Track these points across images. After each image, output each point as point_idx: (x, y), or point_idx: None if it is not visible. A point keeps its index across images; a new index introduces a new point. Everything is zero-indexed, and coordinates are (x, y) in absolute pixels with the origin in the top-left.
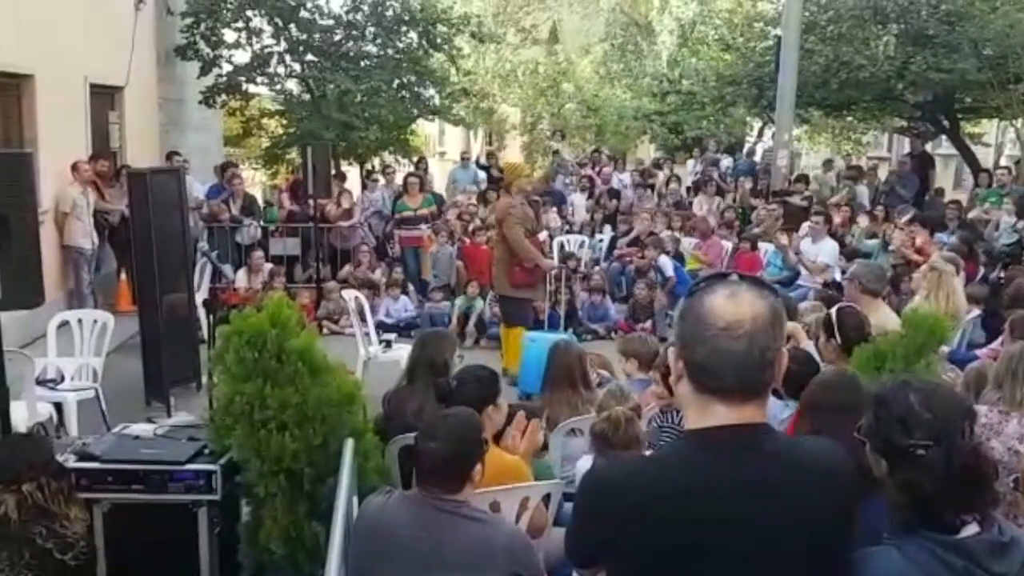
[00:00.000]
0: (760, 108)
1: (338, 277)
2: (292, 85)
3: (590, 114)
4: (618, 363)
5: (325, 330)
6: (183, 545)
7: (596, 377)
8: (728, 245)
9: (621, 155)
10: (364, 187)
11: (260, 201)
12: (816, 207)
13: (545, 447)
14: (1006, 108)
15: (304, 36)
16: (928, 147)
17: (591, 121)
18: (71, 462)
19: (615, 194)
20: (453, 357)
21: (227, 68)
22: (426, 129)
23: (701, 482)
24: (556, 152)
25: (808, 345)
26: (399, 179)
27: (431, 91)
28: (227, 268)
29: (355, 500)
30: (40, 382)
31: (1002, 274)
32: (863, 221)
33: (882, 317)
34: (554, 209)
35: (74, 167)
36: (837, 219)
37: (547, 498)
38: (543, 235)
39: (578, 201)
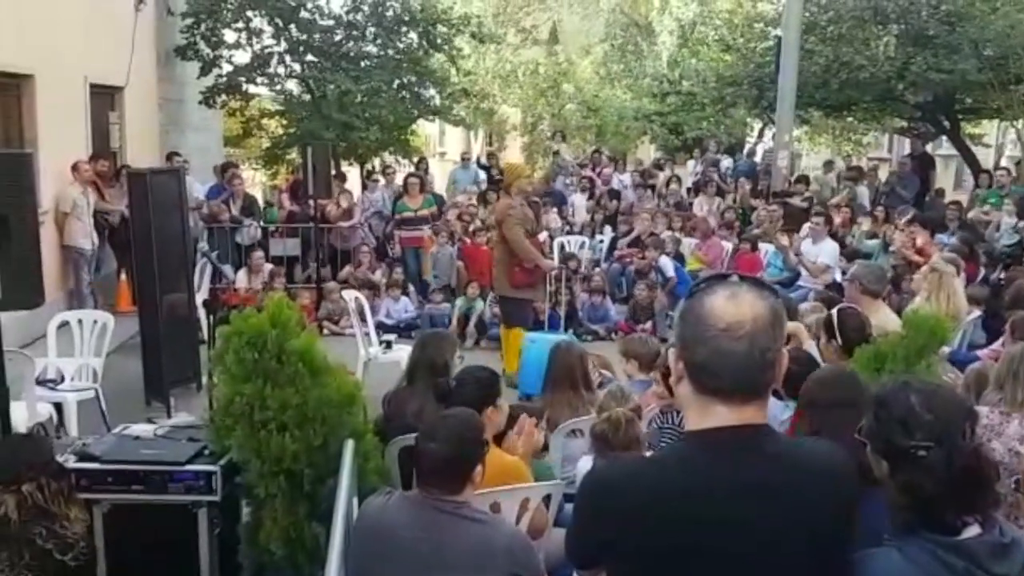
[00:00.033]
0: (760, 109)
1: (338, 278)
2: (292, 85)
3: (590, 115)
4: (618, 364)
5: (325, 331)
6: (183, 546)
7: (598, 377)
8: (728, 246)
9: (621, 156)
10: (364, 187)
11: (260, 201)
12: (816, 208)
13: (546, 448)
14: (1007, 109)
15: (304, 36)
16: (929, 148)
17: (591, 122)
18: (71, 462)
19: (615, 195)
20: (453, 358)
21: (227, 68)
22: (426, 129)
23: (701, 483)
24: (556, 153)
25: (811, 345)
26: (399, 180)
27: (431, 91)
28: (227, 268)
29: (355, 501)
30: (40, 382)
31: (1003, 275)
32: (864, 222)
33: (883, 318)
34: (554, 210)
35: (74, 167)
36: (837, 220)
37: (547, 499)
38: (543, 236)
39: (578, 202)
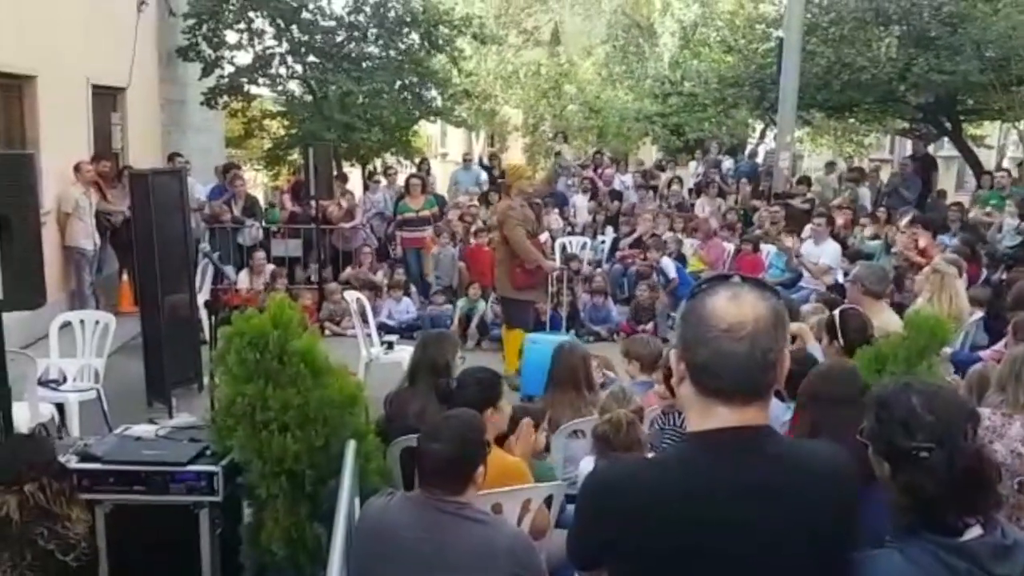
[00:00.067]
0: (762, 110)
1: (340, 279)
2: (294, 86)
3: (592, 116)
4: (620, 365)
5: (327, 331)
6: (185, 546)
7: (601, 378)
8: (730, 247)
9: (623, 157)
10: (366, 188)
11: (262, 202)
12: (818, 209)
13: (547, 449)
14: (1008, 110)
15: (306, 37)
16: (930, 149)
17: (593, 123)
18: (73, 463)
19: (617, 196)
20: (455, 359)
21: (229, 69)
22: (428, 130)
23: (702, 484)
24: (558, 154)
25: (815, 347)
26: (401, 180)
27: (433, 92)
28: (229, 269)
29: (357, 502)
30: (42, 383)
31: (1005, 276)
32: (865, 223)
33: (884, 319)
34: (556, 211)
35: (76, 168)
36: (839, 221)
37: (549, 500)
38: (545, 236)
39: (580, 203)
